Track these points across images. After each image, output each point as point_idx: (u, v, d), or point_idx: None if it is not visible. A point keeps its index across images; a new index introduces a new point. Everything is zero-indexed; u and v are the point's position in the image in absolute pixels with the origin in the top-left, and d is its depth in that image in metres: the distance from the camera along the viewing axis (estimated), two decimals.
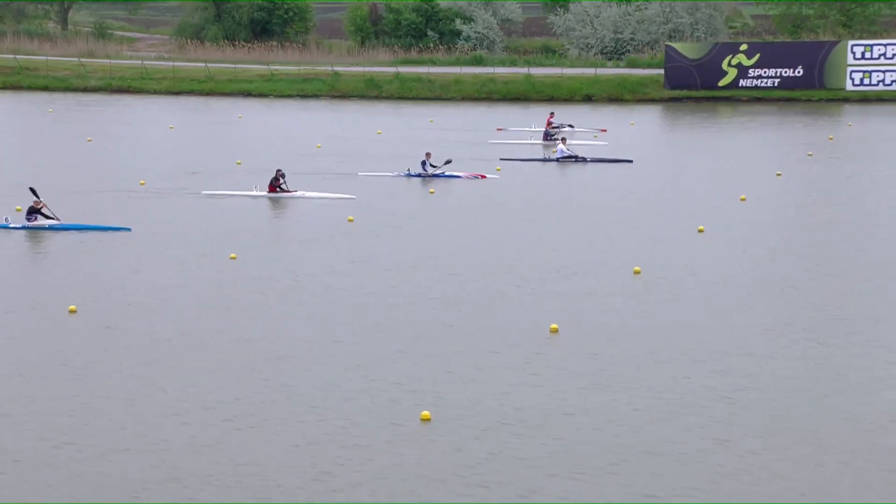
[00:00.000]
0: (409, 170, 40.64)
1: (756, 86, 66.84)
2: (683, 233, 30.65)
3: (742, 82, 67.04)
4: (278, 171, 36.64)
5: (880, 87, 65.10)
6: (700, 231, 30.67)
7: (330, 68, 75.98)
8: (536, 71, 72.63)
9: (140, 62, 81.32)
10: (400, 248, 29.16)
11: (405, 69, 74.87)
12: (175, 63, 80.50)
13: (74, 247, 29.27)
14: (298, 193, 36.11)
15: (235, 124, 60.55)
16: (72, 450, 16.11)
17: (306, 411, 17.78)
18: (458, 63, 78.33)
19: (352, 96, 71.53)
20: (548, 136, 49.75)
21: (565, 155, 43.89)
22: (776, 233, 31.14)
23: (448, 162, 40.20)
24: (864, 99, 64.38)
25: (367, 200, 35.58)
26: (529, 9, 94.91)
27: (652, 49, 77.98)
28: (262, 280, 25.73)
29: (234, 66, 78.58)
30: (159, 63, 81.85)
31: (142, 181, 39.86)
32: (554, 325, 21.81)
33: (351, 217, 32.60)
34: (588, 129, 53.30)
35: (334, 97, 71.60)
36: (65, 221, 31.03)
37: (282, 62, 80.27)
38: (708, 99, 66.23)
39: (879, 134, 52.24)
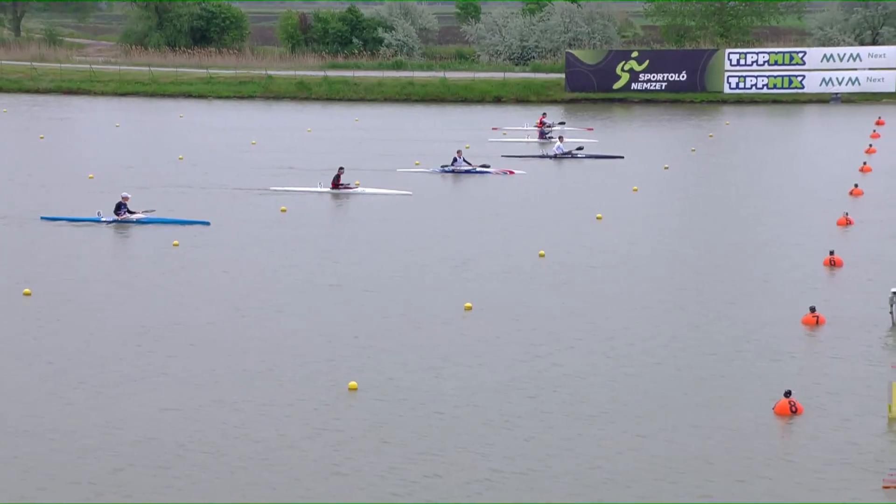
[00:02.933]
0: (442, 166, 39.72)
1: (646, 88, 67.54)
2: (583, 220, 30.96)
3: (634, 85, 67.72)
4: (340, 168, 35.51)
5: (753, 90, 66.17)
6: (598, 219, 31.03)
7: (264, 72, 75.29)
8: (451, 75, 72.65)
9: (88, 66, 79.83)
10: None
11: (333, 73, 74.41)
12: (121, 67, 79.18)
13: (157, 238, 28.39)
14: (359, 189, 35.01)
15: (177, 123, 59.76)
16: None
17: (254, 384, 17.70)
18: (380, 67, 78.03)
19: (284, 97, 70.90)
20: (543, 135, 49.02)
21: (563, 152, 43.35)
22: (664, 219, 31.60)
23: (484, 166, 39.50)
24: (740, 101, 65.42)
25: (421, 195, 34.61)
26: (444, 18, 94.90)
27: (554, 55, 78.40)
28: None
29: (175, 69, 77.47)
30: (106, 67, 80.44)
31: (90, 175, 39.22)
32: (468, 304, 21.97)
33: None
34: (577, 127, 52.69)
35: (268, 98, 70.93)
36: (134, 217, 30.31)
37: (219, 66, 79.26)
38: (604, 100, 66.77)
39: (753, 131, 53.19)
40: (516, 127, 52.86)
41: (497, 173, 39.04)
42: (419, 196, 34.65)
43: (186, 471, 14.40)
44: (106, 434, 15.57)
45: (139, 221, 30.08)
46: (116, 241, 28.78)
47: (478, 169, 39.19)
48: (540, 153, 44.77)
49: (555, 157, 43.30)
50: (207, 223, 29.95)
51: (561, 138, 45.20)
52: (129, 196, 30.93)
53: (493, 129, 53.44)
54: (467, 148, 42.81)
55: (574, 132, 50.58)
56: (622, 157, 43.04)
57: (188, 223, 30.01)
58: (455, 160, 39.48)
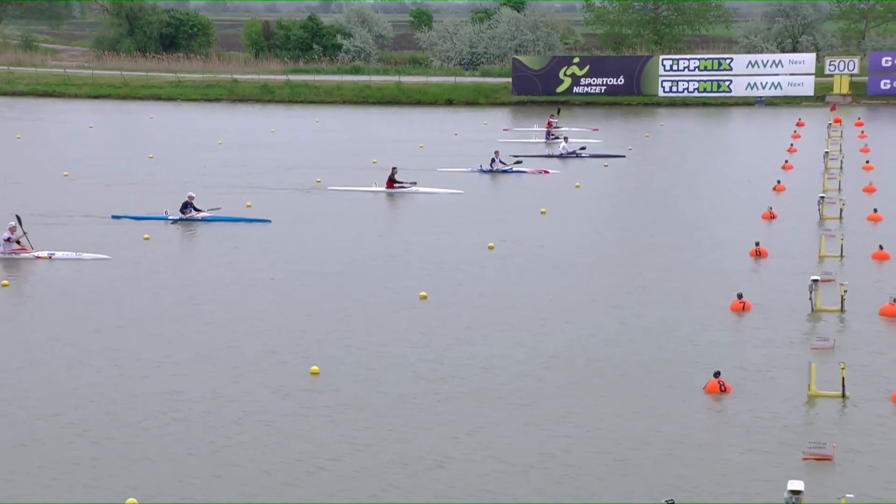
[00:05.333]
0: (480, 166, 39.11)
1: (587, 92, 67.77)
2: (529, 214, 31.05)
3: (575, 89, 67.93)
4: (393, 168, 34.75)
5: (685, 93, 66.65)
6: (543, 213, 31.13)
7: (229, 76, 74.63)
8: (406, 79, 72.48)
9: (63, 70, 78.68)
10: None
11: (294, 77, 73.94)
12: (94, 71, 78.12)
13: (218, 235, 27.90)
14: (413, 189, 34.20)
15: (148, 124, 59.09)
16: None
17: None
18: (339, 72, 77.62)
19: (248, 100, 70.32)
20: (549, 136, 48.60)
21: (567, 151, 43.06)
22: (602, 213, 31.79)
23: (518, 162, 39.12)
24: (673, 103, 65.91)
25: (472, 194, 34.03)
26: (399, 26, 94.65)
27: (501, 61, 78.47)
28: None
29: (146, 73, 76.57)
30: (80, 71, 79.32)
31: (65, 173, 38.69)
32: (423, 293, 21.96)
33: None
34: (583, 128, 52.30)
35: (233, 101, 70.30)
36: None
37: (187, 70, 78.45)
38: (548, 103, 66.86)
39: (685, 132, 53.64)
40: (525, 128, 52.43)
41: (532, 173, 38.62)
42: (470, 194, 34.03)
43: (153, 458, 14.27)
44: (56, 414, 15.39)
45: (204, 219, 29.56)
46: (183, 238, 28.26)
47: (514, 169, 38.79)
48: (546, 153, 44.34)
49: (560, 156, 42.93)
50: (269, 221, 29.45)
51: (566, 139, 44.76)
52: (195, 195, 30.35)
53: (504, 129, 52.89)
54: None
55: (580, 133, 50.06)
56: (623, 157, 42.71)
57: (251, 221, 29.46)
58: (493, 161, 38.95)
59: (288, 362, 17.82)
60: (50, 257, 24.91)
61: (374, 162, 41.74)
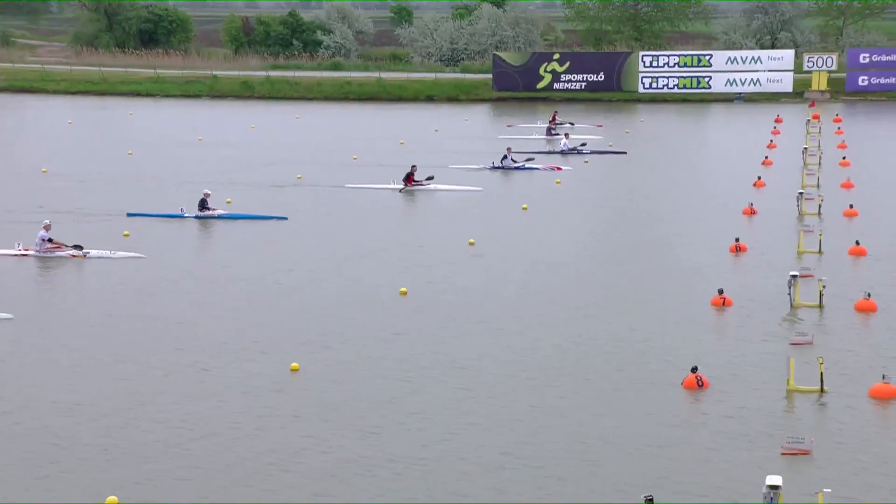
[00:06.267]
0: (492, 163, 38.93)
1: (567, 88, 67.84)
2: (510, 210, 31.06)
3: (556, 85, 67.98)
4: (413, 166, 34.39)
5: (665, 90, 66.81)
6: (524, 209, 31.15)
7: (209, 72, 74.29)
8: (386, 75, 72.34)
9: (41, 66, 78.12)
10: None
11: (274, 73, 73.68)
12: (72, 67, 77.56)
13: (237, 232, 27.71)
14: (431, 186, 33.90)
15: (127, 120, 58.76)
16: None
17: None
18: (319, 68, 77.39)
19: (229, 96, 70.05)
20: (550, 132, 48.40)
21: (569, 148, 42.93)
22: (585, 207, 31.83)
23: (530, 159, 38.97)
24: (653, 100, 66.05)
25: (492, 192, 33.85)
26: (380, 22, 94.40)
27: (482, 57, 78.45)
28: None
29: (125, 69, 76.12)
30: (58, 67, 78.75)
31: (44, 169, 38.43)
32: (403, 289, 21.94)
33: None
34: (587, 124, 52.14)
35: (213, 97, 69.99)
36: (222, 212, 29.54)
37: (167, 67, 78.08)
38: (528, 99, 66.96)
39: (665, 128, 53.78)
40: (529, 124, 52.28)
41: (545, 169, 38.52)
42: (488, 192, 33.85)
43: (131, 458, 14.19)
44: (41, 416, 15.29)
45: (220, 217, 29.33)
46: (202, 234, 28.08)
47: (526, 165, 38.65)
48: (547, 149, 44.23)
49: (561, 153, 42.83)
50: (285, 218, 29.24)
51: (567, 135, 44.75)
52: (211, 192, 30.07)
53: (508, 126, 52.65)
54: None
55: (584, 129, 49.87)
56: (625, 153, 42.66)
57: (267, 218, 29.25)
58: (505, 157, 38.84)
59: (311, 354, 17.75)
60: (85, 255, 24.75)
61: (355, 158, 41.67)
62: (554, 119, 50.61)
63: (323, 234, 27.63)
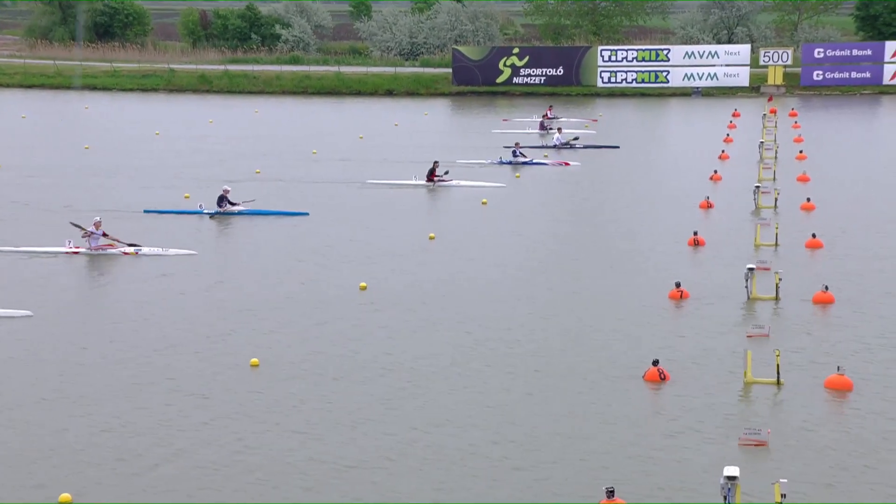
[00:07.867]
0: (501, 158, 38.80)
1: (526, 82, 68.03)
2: (469, 205, 31.08)
3: (515, 80, 68.14)
4: (435, 162, 34.08)
5: (623, 84, 67.21)
6: (483, 203, 31.20)
7: (166, 66, 73.59)
8: (345, 69, 72.10)
9: None
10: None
11: (233, 67, 73.16)
12: (26, 60, 76.49)
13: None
14: (454, 182, 33.68)
15: (82, 114, 58.07)
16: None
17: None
18: (278, 62, 76.96)
19: (186, 90, 69.45)
20: (543, 127, 48.23)
21: (562, 142, 42.97)
22: (540, 203, 31.92)
23: (545, 156, 38.93)
24: (612, 94, 66.38)
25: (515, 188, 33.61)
26: (338, 16, 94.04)
27: (441, 51, 78.43)
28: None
29: (80, 63, 75.17)
30: (11, 60, 77.63)
31: None
32: (363, 284, 21.90)
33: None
34: (581, 118, 52.10)
35: (171, 91, 69.37)
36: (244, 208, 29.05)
37: (123, 60, 77.23)
38: (488, 93, 67.05)
39: (624, 121, 54.07)
40: (524, 118, 52.09)
41: (554, 164, 38.54)
42: (512, 188, 33.73)
43: (87, 455, 14.06)
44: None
45: (241, 213, 28.88)
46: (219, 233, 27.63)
47: (534, 160, 38.58)
48: (540, 144, 44.19)
49: (554, 147, 42.90)
50: (307, 214, 28.90)
51: (560, 129, 44.77)
52: (230, 188, 29.62)
53: (504, 120, 52.52)
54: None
55: (578, 123, 49.84)
56: (617, 147, 42.71)
57: (288, 214, 28.88)
58: (514, 152, 38.77)
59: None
60: (137, 253, 24.40)
61: (314, 153, 41.50)
62: (547, 115, 50.61)
63: (351, 230, 27.16)
